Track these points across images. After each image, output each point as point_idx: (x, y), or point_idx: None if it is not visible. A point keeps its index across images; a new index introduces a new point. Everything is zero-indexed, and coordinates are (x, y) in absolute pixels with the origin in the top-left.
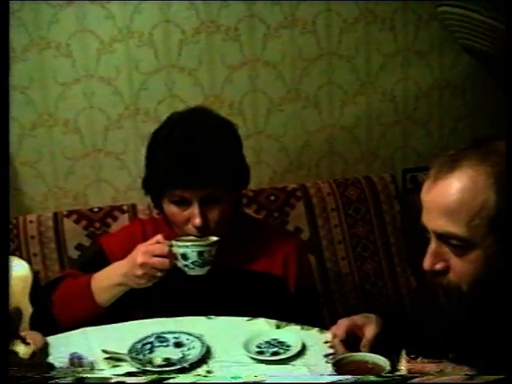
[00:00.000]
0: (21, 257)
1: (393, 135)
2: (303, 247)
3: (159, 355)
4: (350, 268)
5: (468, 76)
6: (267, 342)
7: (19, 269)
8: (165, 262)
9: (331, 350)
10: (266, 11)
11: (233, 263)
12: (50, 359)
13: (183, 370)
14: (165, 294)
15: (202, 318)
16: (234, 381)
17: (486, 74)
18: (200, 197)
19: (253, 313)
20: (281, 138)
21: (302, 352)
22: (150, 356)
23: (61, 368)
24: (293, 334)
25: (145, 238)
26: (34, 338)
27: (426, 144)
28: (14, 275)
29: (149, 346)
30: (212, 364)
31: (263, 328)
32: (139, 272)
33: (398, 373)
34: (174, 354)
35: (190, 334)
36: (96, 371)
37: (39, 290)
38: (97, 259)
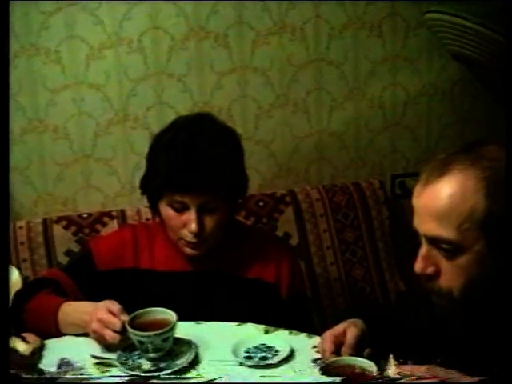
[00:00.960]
0: (10, 262)
1: (381, 141)
2: (295, 254)
3: (148, 360)
4: (338, 273)
5: (456, 82)
6: (256, 347)
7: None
8: (115, 338)
9: (319, 355)
10: (255, 18)
11: (226, 269)
12: (40, 365)
13: (172, 375)
14: (156, 300)
15: (191, 324)
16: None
17: (474, 80)
18: (198, 203)
19: (244, 319)
20: (270, 143)
21: (290, 357)
22: (139, 361)
23: (50, 373)
24: (281, 339)
25: (135, 244)
26: (33, 337)
27: (414, 150)
28: None
29: (138, 352)
30: (201, 369)
31: (252, 333)
32: (92, 334)
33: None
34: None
35: (178, 339)
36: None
37: (19, 291)
38: (83, 263)
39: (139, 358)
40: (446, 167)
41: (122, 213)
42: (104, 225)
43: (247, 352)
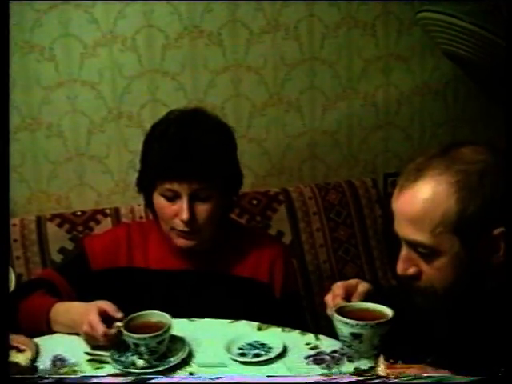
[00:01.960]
0: (10, 263)
1: (374, 140)
2: (289, 254)
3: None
4: (331, 271)
5: (449, 81)
6: (249, 344)
7: None
8: (105, 341)
9: (312, 352)
10: (249, 16)
11: (219, 268)
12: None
13: (165, 372)
14: (150, 299)
15: (185, 321)
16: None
17: (467, 79)
18: (189, 192)
19: (237, 318)
20: (263, 142)
21: (283, 354)
22: (133, 358)
23: (44, 370)
24: (274, 336)
25: (129, 243)
26: (25, 342)
27: (407, 148)
28: None
29: (132, 348)
30: (194, 366)
31: (245, 330)
32: (83, 336)
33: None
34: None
35: (172, 337)
36: (79, 373)
37: (13, 291)
38: (77, 263)
39: (133, 355)
40: (419, 172)
41: (116, 211)
42: (98, 222)
43: (240, 349)
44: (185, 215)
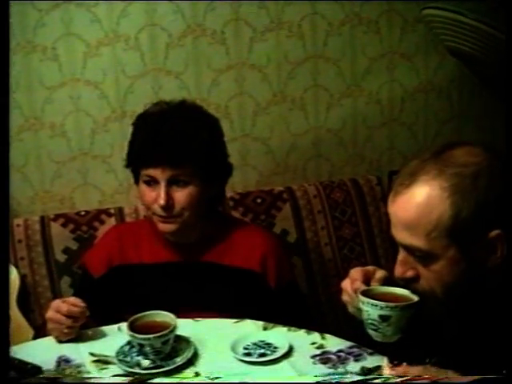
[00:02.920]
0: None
1: (379, 137)
2: (281, 244)
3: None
4: (336, 270)
5: (453, 78)
6: (254, 344)
7: None
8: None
9: (318, 351)
10: (252, 15)
11: (212, 259)
12: (37, 362)
13: (171, 373)
14: (147, 292)
15: (190, 321)
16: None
17: (471, 76)
18: (167, 177)
19: (232, 308)
20: (267, 140)
21: (288, 353)
22: (138, 359)
23: (48, 371)
24: (280, 336)
25: (120, 243)
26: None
27: (411, 146)
28: None
29: (136, 349)
30: (199, 366)
31: (250, 329)
32: (49, 325)
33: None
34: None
35: (177, 337)
36: (83, 374)
37: None
38: (84, 282)
39: (138, 356)
40: (413, 177)
41: (120, 210)
42: (102, 222)
43: (246, 349)
44: (162, 200)
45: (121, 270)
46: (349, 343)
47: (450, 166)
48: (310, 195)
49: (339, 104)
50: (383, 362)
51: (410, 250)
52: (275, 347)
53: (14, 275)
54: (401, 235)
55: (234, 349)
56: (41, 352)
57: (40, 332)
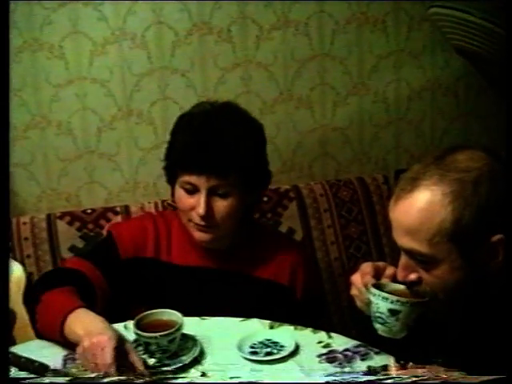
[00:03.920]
0: (14, 258)
1: (385, 136)
2: (311, 259)
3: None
4: (342, 269)
5: (460, 77)
6: (261, 343)
7: (13, 270)
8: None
9: (325, 350)
10: (259, 13)
11: (240, 268)
12: (44, 360)
13: (177, 371)
14: (170, 295)
15: (196, 319)
16: (228, 381)
17: (478, 74)
18: (208, 186)
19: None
20: (273, 139)
21: (295, 352)
22: (144, 357)
23: (55, 369)
24: (286, 334)
25: (157, 235)
26: None
27: (418, 145)
28: None
29: (143, 347)
30: (206, 365)
31: (257, 328)
32: (80, 349)
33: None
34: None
35: (183, 335)
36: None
37: (39, 278)
38: (107, 250)
39: (144, 354)
40: (415, 182)
41: (126, 208)
42: (108, 220)
43: (252, 347)
44: (201, 210)
45: (153, 263)
46: (355, 342)
47: (452, 171)
48: (316, 194)
49: (346, 102)
50: (390, 361)
51: (411, 254)
52: (281, 346)
53: (20, 273)
54: (403, 240)
55: (240, 347)
56: (47, 350)
57: None
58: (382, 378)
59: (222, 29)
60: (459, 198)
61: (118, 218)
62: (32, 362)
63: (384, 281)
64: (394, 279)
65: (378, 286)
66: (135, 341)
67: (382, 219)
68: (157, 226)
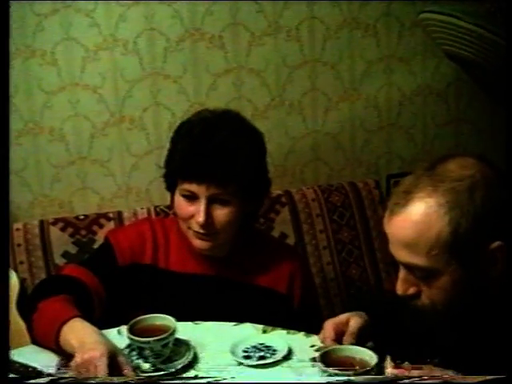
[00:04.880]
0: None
1: (377, 141)
2: (308, 267)
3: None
4: (335, 273)
5: (451, 82)
6: (254, 347)
7: None
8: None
9: (317, 354)
10: (250, 19)
11: (238, 276)
12: (39, 366)
13: (171, 376)
14: (168, 302)
15: (189, 324)
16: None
17: (469, 79)
18: (208, 195)
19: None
20: (265, 144)
21: (288, 356)
22: (138, 362)
23: (49, 374)
24: (279, 339)
25: (154, 241)
26: None
27: (409, 150)
28: None
29: (136, 352)
30: (199, 369)
31: (250, 332)
32: (75, 362)
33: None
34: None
35: (177, 340)
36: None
37: (36, 286)
38: (105, 257)
39: (138, 359)
40: (408, 195)
41: (119, 214)
42: (101, 226)
43: (245, 351)
44: (201, 218)
45: (150, 270)
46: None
47: (445, 181)
48: (308, 199)
49: (337, 108)
50: (386, 361)
51: (410, 267)
52: (274, 350)
53: (13, 279)
54: (400, 254)
55: (233, 352)
56: (41, 355)
57: None
58: (377, 377)
59: (214, 35)
60: (455, 208)
61: (111, 224)
62: (26, 367)
63: (345, 341)
64: (360, 330)
65: (326, 357)
66: (129, 346)
67: (374, 224)
68: (155, 233)
